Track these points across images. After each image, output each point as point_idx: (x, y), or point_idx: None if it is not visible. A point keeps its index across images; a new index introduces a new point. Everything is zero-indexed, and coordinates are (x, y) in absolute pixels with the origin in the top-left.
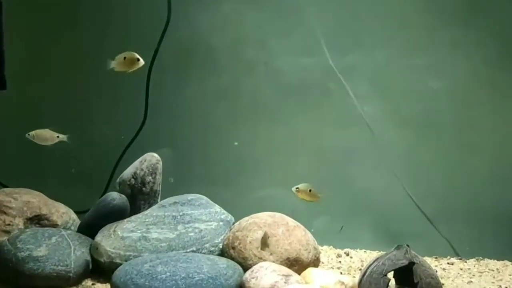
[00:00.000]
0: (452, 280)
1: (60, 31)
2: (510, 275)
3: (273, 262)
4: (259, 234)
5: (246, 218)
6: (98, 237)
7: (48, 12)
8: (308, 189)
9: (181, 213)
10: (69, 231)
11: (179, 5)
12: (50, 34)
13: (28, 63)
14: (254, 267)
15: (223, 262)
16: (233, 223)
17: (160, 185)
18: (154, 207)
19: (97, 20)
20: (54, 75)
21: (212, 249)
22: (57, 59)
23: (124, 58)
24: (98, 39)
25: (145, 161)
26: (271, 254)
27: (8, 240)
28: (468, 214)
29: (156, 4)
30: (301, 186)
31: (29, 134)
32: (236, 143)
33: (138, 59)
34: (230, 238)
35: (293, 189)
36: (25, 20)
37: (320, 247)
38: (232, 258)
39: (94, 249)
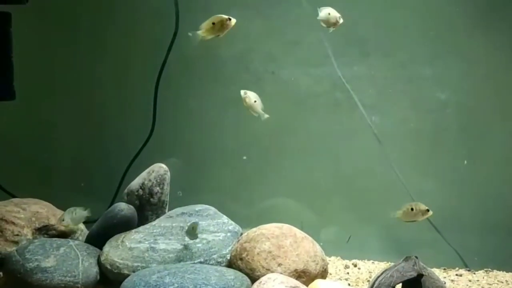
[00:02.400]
0: None
1: (67, 43)
2: None
3: (281, 273)
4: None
5: (254, 229)
6: (106, 248)
7: (56, 24)
8: (254, 100)
9: (188, 224)
10: (77, 242)
11: (187, 16)
12: (58, 45)
13: (37, 74)
14: (262, 279)
15: (230, 273)
16: (241, 234)
17: (168, 196)
18: (162, 217)
19: (104, 32)
20: (63, 86)
21: (220, 260)
22: (65, 70)
23: (213, 23)
24: (105, 50)
25: (153, 171)
26: (279, 265)
27: (16, 250)
28: (476, 224)
29: (164, 16)
30: (250, 92)
31: None
32: (244, 157)
33: (230, 19)
34: (238, 249)
35: (242, 92)
36: (34, 31)
37: (327, 258)
38: (240, 270)
39: (190, 230)
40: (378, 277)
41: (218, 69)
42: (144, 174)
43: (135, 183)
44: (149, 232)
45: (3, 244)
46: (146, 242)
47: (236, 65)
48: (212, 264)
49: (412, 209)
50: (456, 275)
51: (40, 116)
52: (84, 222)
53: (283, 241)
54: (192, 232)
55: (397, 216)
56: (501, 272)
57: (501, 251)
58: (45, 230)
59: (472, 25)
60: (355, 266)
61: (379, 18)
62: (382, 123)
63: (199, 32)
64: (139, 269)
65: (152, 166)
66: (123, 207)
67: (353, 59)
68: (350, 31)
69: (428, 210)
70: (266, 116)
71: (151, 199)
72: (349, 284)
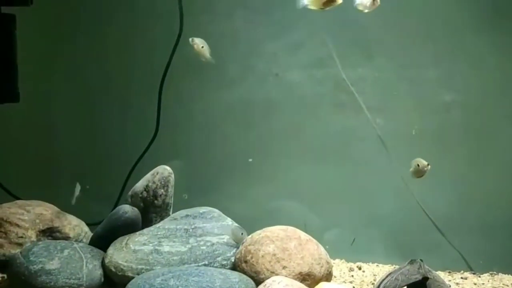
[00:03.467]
0: None
1: (71, 45)
2: None
3: (286, 276)
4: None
5: (258, 232)
6: (110, 250)
7: (59, 25)
8: (201, 45)
9: (193, 226)
10: (81, 244)
11: (191, 18)
12: (62, 47)
13: (40, 76)
14: (267, 282)
15: (235, 276)
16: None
17: (172, 198)
18: (166, 220)
19: (108, 33)
20: (66, 88)
21: (224, 262)
22: (68, 72)
23: None
24: (109, 52)
25: (157, 173)
26: (283, 268)
27: (20, 252)
28: (481, 227)
29: (168, 17)
30: (197, 39)
31: None
32: (250, 160)
33: None
34: (242, 252)
35: (190, 40)
36: (36, 32)
37: (332, 261)
38: (244, 272)
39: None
40: (383, 280)
41: (222, 71)
42: (148, 176)
43: (139, 185)
44: (154, 235)
45: (7, 246)
46: (150, 245)
47: (240, 67)
48: (216, 267)
49: (418, 165)
50: (461, 278)
51: (43, 118)
52: (88, 224)
53: (287, 244)
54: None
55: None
56: (507, 275)
57: (507, 254)
58: (49, 232)
59: (477, 26)
60: (360, 269)
61: (384, 19)
62: (387, 125)
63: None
64: (143, 272)
65: (156, 168)
66: (127, 209)
67: (358, 61)
68: (355, 33)
69: (428, 165)
70: (212, 61)
71: (155, 201)
72: (353, 287)
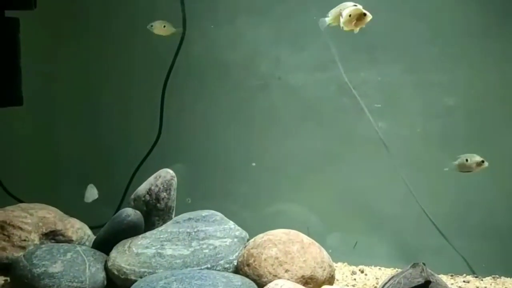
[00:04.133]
0: None
1: (73, 46)
2: None
3: (288, 279)
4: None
5: (261, 235)
6: (113, 253)
7: (61, 26)
8: (163, 25)
9: (195, 230)
10: (84, 247)
11: (194, 21)
12: (63, 48)
13: (42, 78)
14: (269, 285)
15: (238, 279)
16: (248, 240)
17: (175, 201)
18: (169, 223)
19: (111, 35)
20: (68, 91)
21: (227, 266)
22: (70, 75)
23: (348, 15)
24: (112, 54)
25: (159, 177)
26: (286, 271)
27: (23, 256)
28: (484, 230)
29: (171, 20)
30: (155, 22)
31: None
32: (253, 164)
33: (365, 14)
34: (245, 255)
35: (148, 26)
36: (38, 34)
37: (334, 264)
38: (247, 276)
39: None
40: (386, 283)
41: (225, 74)
42: (151, 179)
43: (142, 189)
44: (156, 238)
45: (10, 249)
46: (153, 248)
47: (243, 70)
48: (219, 270)
49: (467, 160)
50: (464, 281)
51: (46, 121)
52: (91, 227)
53: (290, 247)
54: None
55: (452, 168)
56: (509, 278)
57: (509, 257)
58: (52, 235)
59: (481, 31)
60: (362, 272)
61: (387, 23)
62: (389, 128)
63: (326, 19)
64: (146, 275)
65: (159, 172)
66: (130, 213)
67: (360, 65)
68: (357, 36)
69: (483, 161)
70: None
71: (158, 205)
72: None
